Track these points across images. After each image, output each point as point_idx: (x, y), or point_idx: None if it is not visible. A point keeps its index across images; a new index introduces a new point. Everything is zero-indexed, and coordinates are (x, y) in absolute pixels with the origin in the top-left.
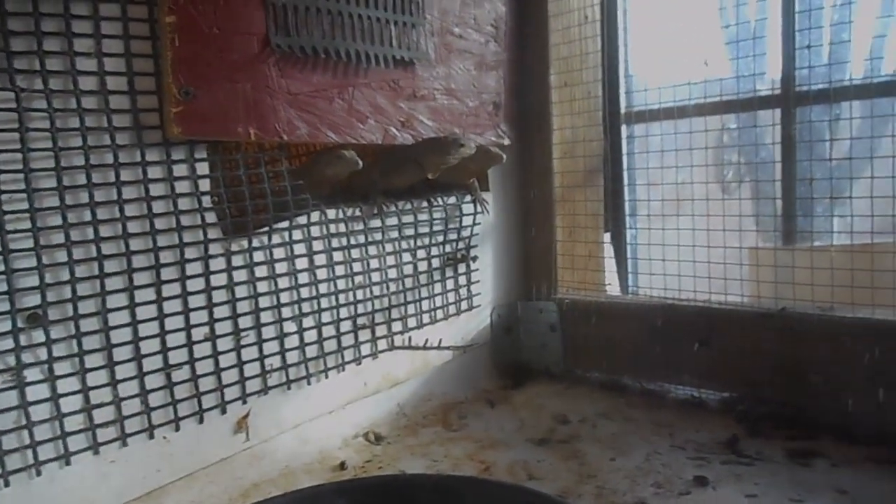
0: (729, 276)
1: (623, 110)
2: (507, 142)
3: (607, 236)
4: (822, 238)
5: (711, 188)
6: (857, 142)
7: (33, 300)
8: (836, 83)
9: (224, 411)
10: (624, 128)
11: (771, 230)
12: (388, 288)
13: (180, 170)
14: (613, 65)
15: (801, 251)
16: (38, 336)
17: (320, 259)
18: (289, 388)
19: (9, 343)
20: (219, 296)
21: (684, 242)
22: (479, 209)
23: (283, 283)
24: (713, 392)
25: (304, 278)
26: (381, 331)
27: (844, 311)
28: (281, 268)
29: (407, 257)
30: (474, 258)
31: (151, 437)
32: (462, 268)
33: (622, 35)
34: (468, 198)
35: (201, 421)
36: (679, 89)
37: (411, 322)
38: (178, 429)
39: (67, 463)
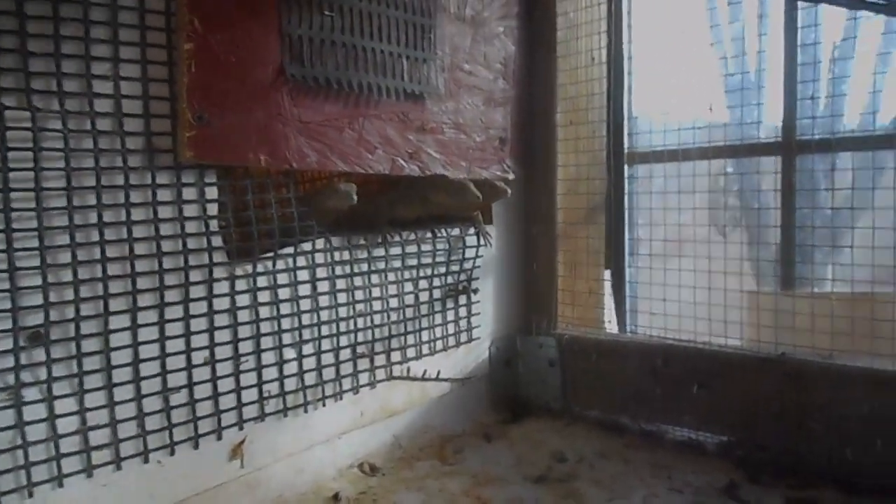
0: (728, 319)
1: (626, 150)
2: (511, 176)
3: (608, 274)
4: (820, 285)
5: (712, 230)
6: (856, 192)
7: (36, 319)
8: (838, 134)
9: (220, 437)
10: (626, 168)
11: (770, 275)
12: (388, 317)
13: (189, 193)
14: (618, 106)
15: (800, 297)
16: (39, 355)
17: (323, 286)
18: (285, 416)
19: (9, 361)
20: (221, 320)
21: (684, 283)
22: (482, 242)
23: (285, 308)
24: (711, 435)
25: (305, 305)
26: (379, 360)
27: (844, 358)
28: (284, 293)
29: (409, 287)
30: (475, 290)
31: (146, 461)
32: (463, 300)
33: (627, 78)
34: (472, 230)
35: (197, 446)
36: (683, 133)
37: (410, 352)
38: (173, 453)
39: (60, 485)
